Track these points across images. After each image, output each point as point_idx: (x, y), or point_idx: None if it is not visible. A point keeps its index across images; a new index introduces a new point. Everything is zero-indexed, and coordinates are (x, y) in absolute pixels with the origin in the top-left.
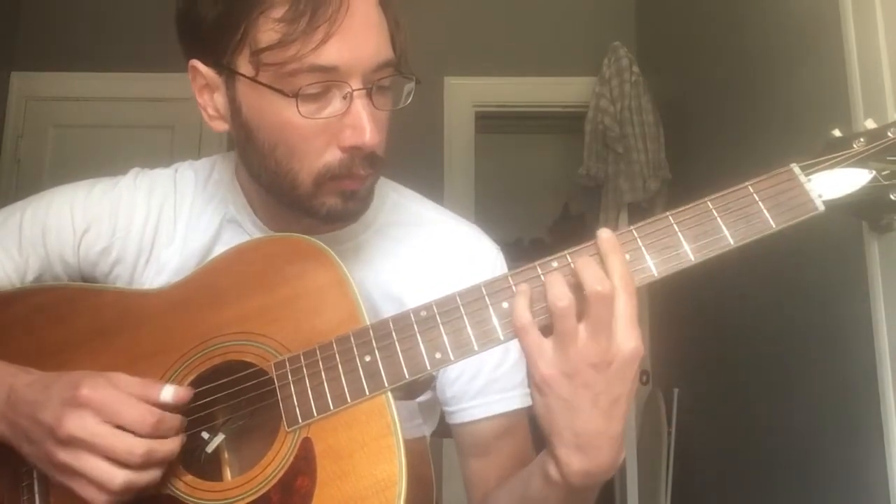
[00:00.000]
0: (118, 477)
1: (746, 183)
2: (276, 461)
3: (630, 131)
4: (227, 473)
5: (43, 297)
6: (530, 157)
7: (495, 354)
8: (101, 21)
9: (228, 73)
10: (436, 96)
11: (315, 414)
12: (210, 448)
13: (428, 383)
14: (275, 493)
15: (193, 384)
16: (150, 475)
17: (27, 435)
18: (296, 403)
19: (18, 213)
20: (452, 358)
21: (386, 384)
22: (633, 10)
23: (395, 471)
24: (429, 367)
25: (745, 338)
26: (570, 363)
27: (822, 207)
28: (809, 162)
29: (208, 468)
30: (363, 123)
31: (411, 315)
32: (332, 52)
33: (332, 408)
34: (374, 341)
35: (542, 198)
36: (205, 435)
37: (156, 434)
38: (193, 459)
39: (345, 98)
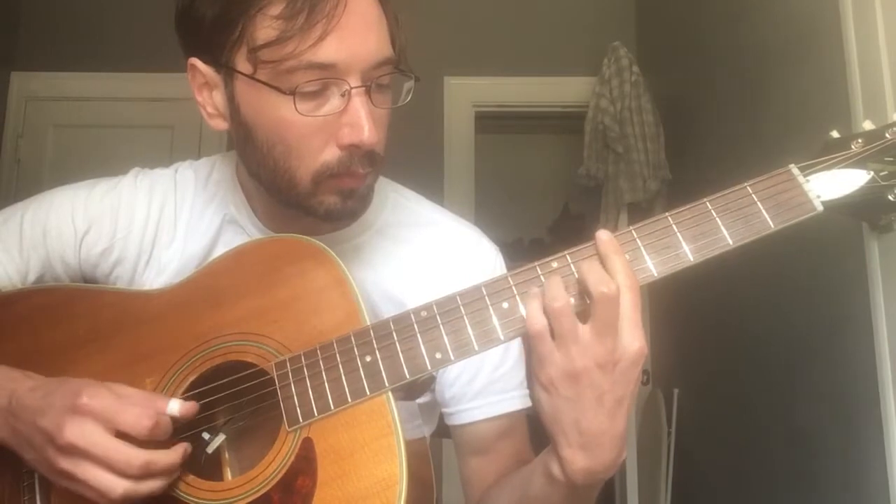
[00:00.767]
0: (118, 487)
1: (745, 183)
2: (277, 461)
3: (630, 131)
4: (228, 473)
5: (44, 298)
6: (530, 157)
7: (494, 356)
8: (101, 21)
9: (227, 70)
10: (436, 96)
11: (316, 414)
12: (211, 448)
13: (428, 384)
14: (275, 492)
15: (194, 384)
16: (151, 485)
17: (28, 441)
18: (296, 403)
19: (19, 213)
20: (453, 358)
21: (386, 384)
22: (633, 10)
23: (396, 470)
24: (429, 367)
25: (745, 338)
26: (575, 364)
27: (820, 208)
28: (808, 163)
29: (209, 468)
30: (361, 121)
31: (412, 315)
32: (330, 50)
33: (332, 408)
34: (374, 341)
35: (542, 198)
36: (206, 435)
37: (154, 436)
38: (194, 459)
39: (343, 96)
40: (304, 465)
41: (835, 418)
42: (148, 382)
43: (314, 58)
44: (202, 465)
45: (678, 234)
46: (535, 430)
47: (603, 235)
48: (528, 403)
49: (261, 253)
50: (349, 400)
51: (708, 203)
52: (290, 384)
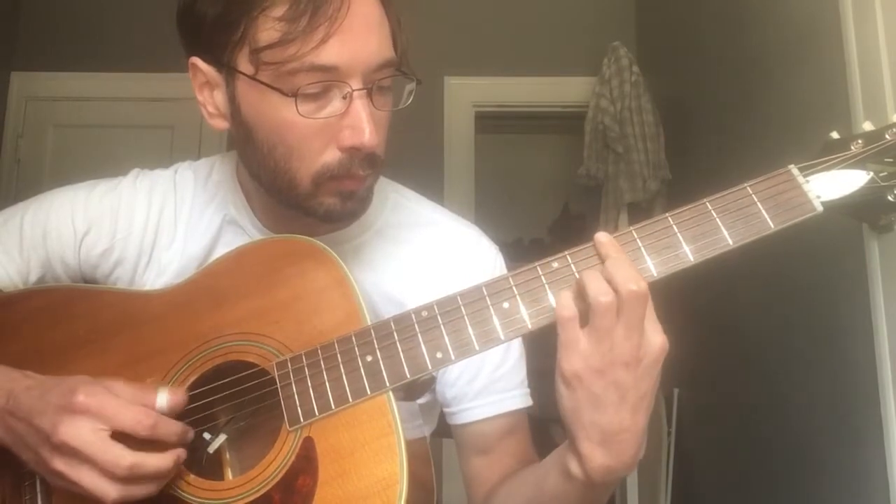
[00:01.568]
0: (112, 491)
1: (745, 184)
2: (278, 460)
3: (630, 131)
4: (229, 473)
5: (44, 299)
6: (530, 157)
7: (495, 355)
8: (101, 21)
9: (228, 70)
10: (436, 96)
11: (317, 413)
12: (212, 448)
13: (428, 385)
14: (276, 492)
15: (195, 384)
16: (145, 489)
17: (25, 440)
18: (297, 403)
19: (19, 214)
20: (453, 357)
21: (387, 384)
22: (633, 10)
23: (397, 470)
24: (430, 367)
25: (745, 338)
26: (603, 360)
27: (820, 208)
28: (808, 163)
29: (210, 468)
30: (362, 124)
31: (412, 315)
32: (332, 52)
33: (333, 407)
34: (375, 341)
35: (542, 198)
36: (207, 435)
37: (155, 436)
38: (195, 459)
39: (344, 98)
40: (305, 465)
41: (835, 418)
42: (149, 383)
43: (317, 60)
44: (203, 465)
45: (678, 234)
46: (534, 430)
47: (602, 237)
48: (530, 402)
49: (261, 253)
50: (350, 399)
51: (708, 203)
52: (290, 384)
